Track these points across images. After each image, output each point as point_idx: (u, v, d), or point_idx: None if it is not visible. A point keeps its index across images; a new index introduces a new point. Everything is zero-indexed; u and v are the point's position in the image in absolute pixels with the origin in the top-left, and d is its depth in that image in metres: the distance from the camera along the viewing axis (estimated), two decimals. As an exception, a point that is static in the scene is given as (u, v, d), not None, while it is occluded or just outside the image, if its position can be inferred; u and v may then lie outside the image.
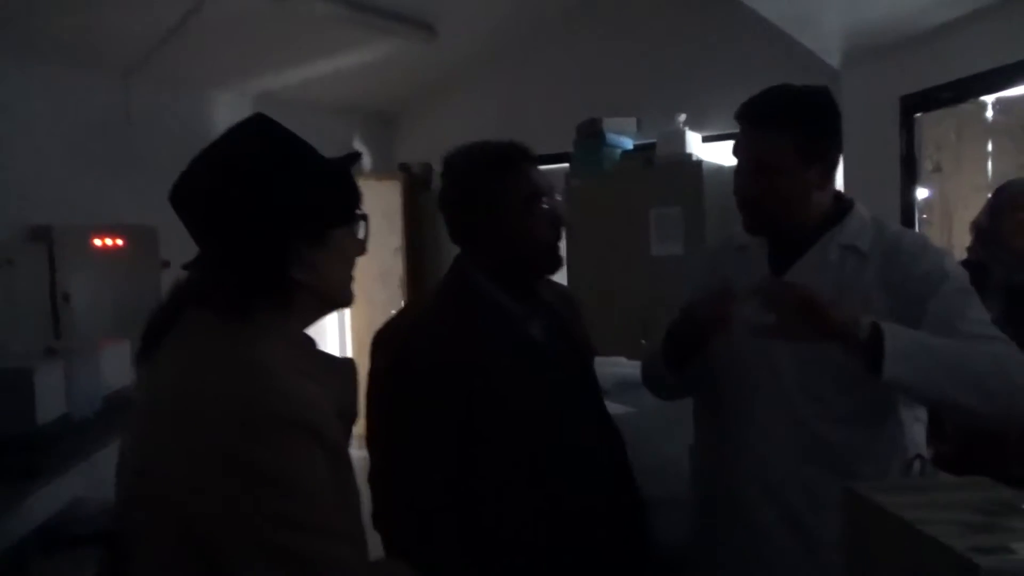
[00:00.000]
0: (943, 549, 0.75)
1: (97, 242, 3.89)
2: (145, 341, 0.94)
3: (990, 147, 3.37)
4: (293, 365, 0.87)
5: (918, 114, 3.62)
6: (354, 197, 0.99)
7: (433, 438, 1.26)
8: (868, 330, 1.14)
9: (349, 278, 1.00)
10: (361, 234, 1.00)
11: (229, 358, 0.85)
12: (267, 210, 0.88)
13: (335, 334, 7.70)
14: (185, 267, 0.94)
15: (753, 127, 1.34)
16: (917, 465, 1.04)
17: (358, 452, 1.25)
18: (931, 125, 3.60)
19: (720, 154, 4.19)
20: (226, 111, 4.97)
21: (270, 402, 0.81)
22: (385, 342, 1.34)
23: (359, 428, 1.20)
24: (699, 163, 4.07)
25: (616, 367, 2.97)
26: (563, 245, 4.45)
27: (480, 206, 1.34)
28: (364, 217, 1.00)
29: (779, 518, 1.33)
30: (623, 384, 2.79)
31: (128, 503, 0.85)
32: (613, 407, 2.50)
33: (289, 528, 0.78)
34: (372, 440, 1.32)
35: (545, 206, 1.34)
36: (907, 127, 3.64)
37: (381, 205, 5.75)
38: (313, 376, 0.89)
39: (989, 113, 3.34)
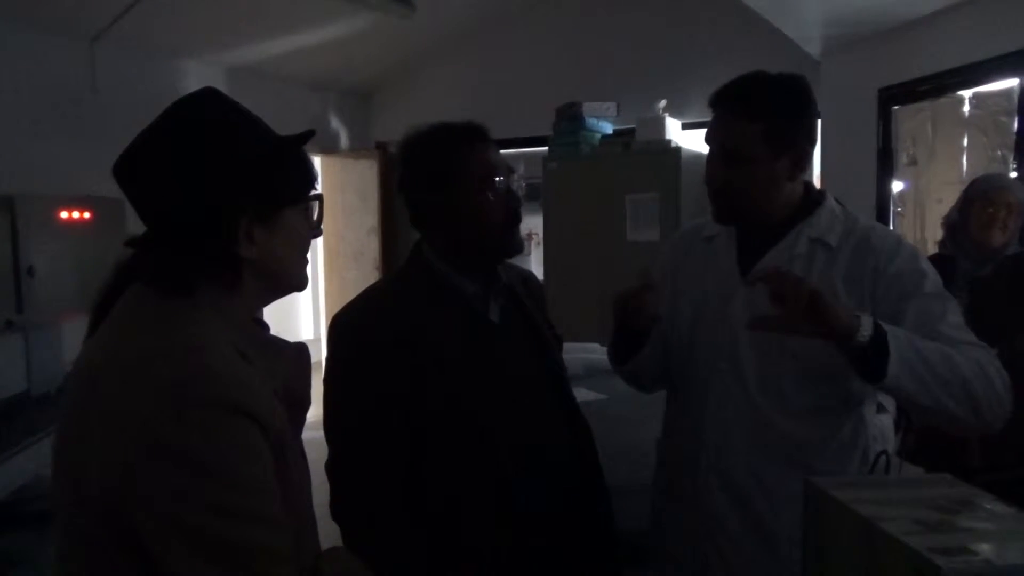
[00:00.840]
0: (902, 548, 0.75)
1: (64, 215, 3.80)
2: (92, 321, 0.90)
3: (965, 141, 3.39)
4: (233, 348, 0.83)
5: (896, 107, 3.64)
6: (307, 177, 0.95)
7: (385, 424, 1.24)
8: (870, 330, 1.11)
9: (301, 260, 0.95)
10: (315, 216, 0.96)
11: (163, 339, 0.82)
12: (214, 186, 0.85)
13: (309, 315, 7.65)
14: (128, 243, 0.90)
15: (724, 114, 1.32)
16: (883, 461, 1.04)
17: (317, 435, 1.24)
18: (908, 118, 3.62)
19: (699, 141, 4.17)
20: (196, 81, 4.85)
21: (200, 384, 0.77)
22: (341, 325, 1.32)
23: (317, 415, 1.17)
24: (677, 150, 4.06)
25: (587, 353, 2.97)
26: (538, 231, 4.38)
27: (434, 186, 1.31)
28: (318, 198, 0.96)
29: (735, 510, 1.33)
30: (593, 370, 2.80)
31: (56, 487, 0.82)
32: (584, 393, 2.51)
33: (218, 515, 0.75)
34: (327, 428, 1.30)
35: (501, 188, 1.30)
36: (884, 119, 3.66)
37: (356, 184, 5.69)
38: (257, 360, 0.86)
39: (966, 107, 3.37)
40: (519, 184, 1.36)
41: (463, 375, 1.26)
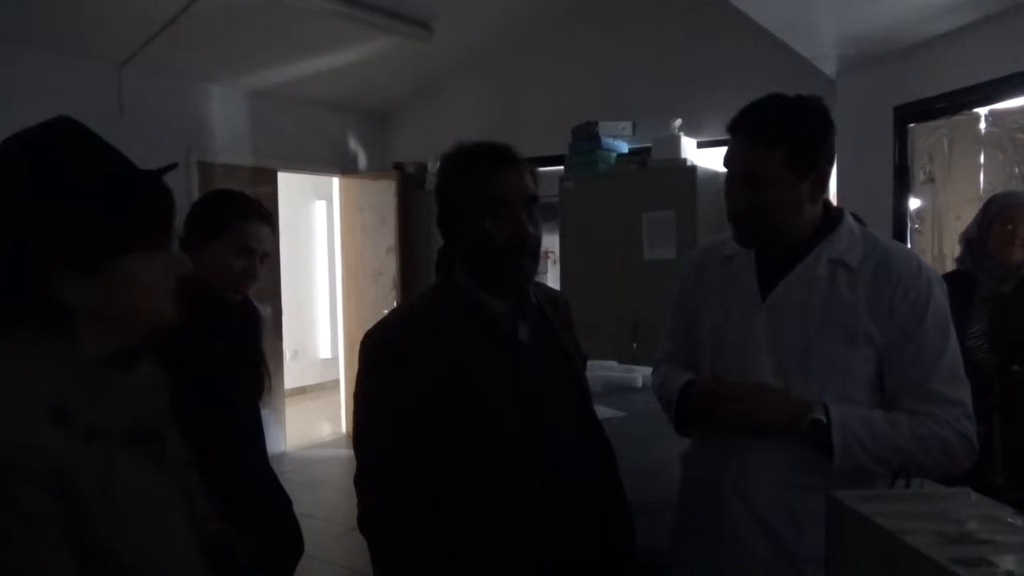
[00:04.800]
0: (925, 560, 0.76)
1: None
2: None
3: (982, 159, 3.38)
4: (27, 399, 0.80)
5: (912, 124, 3.64)
6: (152, 220, 0.89)
7: (414, 438, 1.25)
8: (821, 417, 1.27)
9: (154, 301, 0.90)
10: (161, 260, 0.90)
11: None
12: (23, 235, 0.82)
13: (327, 333, 7.70)
14: None
15: (745, 140, 1.33)
16: (902, 483, 1.05)
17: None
18: (924, 135, 3.62)
19: (714, 160, 4.20)
20: (220, 105, 4.96)
21: None
22: (373, 340, 1.32)
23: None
24: (693, 168, 4.08)
25: (606, 371, 2.98)
26: (555, 249, 4.35)
27: (444, 207, 1.35)
28: (161, 240, 0.90)
29: (759, 532, 1.33)
30: (612, 388, 2.81)
31: None
32: (602, 411, 2.51)
33: None
34: (356, 440, 1.31)
35: (505, 213, 1.28)
36: (900, 137, 3.66)
37: (375, 204, 5.75)
38: (87, 403, 0.83)
39: (982, 125, 3.36)
40: (534, 213, 1.32)
41: (491, 394, 1.27)
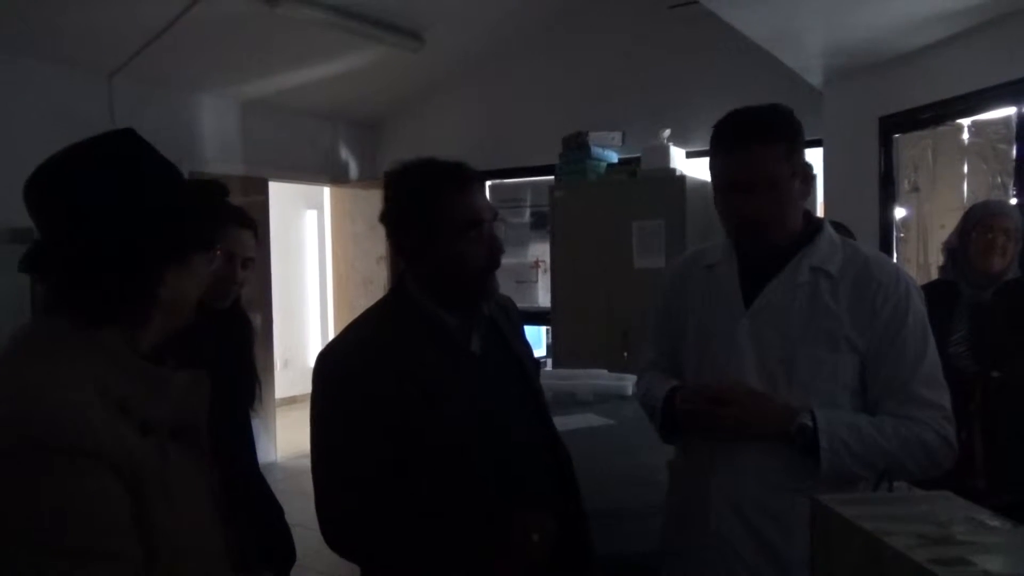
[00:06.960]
0: (906, 561, 0.78)
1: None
2: None
3: (965, 168, 3.44)
4: (92, 386, 0.84)
5: (897, 135, 3.70)
6: (211, 224, 1.02)
7: (374, 456, 1.25)
8: (808, 422, 1.29)
9: (194, 299, 1.00)
10: (211, 262, 1.00)
11: (16, 373, 0.84)
12: (136, 225, 0.88)
13: (317, 342, 7.68)
14: (24, 269, 0.90)
15: (744, 147, 1.33)
16: (885, 486, 1.08)
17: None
18: (909, 145, 3.68)
19: (703, 169, 4.24)
20: (212, 114, 4.97)
21: (22, 423, 0.79)
22: (326, 358, 1.32)
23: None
24: (682, 178, 4.12)
25: (596, 379, 3.00)
26: (545, 258, 4.38)
27: (418, 229, 1.32)
28: (214, 244, 1.02)
29: (748, 538, 1.35)
30: (602, 396, 2.83)
31: None
32: (592, 419, 2.53)
33: (35, 551, 0.77)
34: (315, 466, 1.29)
35: (483, 232, 1.31)
36: (886, 147, 3.72)
37: (365, 212, 5.76)
38: (135, 394, 0.87)
39: (965, 135, 3.42)
40: (501, 228, 1.36)
41: (449, 407, 1.28)
